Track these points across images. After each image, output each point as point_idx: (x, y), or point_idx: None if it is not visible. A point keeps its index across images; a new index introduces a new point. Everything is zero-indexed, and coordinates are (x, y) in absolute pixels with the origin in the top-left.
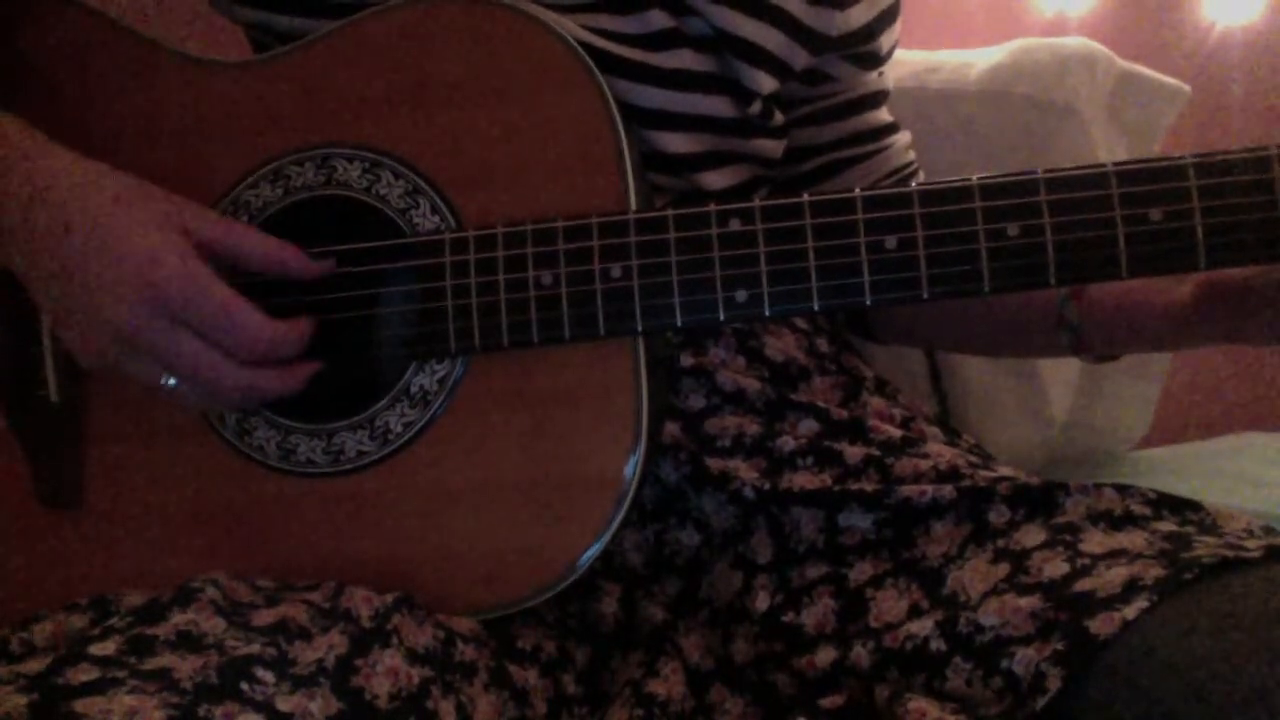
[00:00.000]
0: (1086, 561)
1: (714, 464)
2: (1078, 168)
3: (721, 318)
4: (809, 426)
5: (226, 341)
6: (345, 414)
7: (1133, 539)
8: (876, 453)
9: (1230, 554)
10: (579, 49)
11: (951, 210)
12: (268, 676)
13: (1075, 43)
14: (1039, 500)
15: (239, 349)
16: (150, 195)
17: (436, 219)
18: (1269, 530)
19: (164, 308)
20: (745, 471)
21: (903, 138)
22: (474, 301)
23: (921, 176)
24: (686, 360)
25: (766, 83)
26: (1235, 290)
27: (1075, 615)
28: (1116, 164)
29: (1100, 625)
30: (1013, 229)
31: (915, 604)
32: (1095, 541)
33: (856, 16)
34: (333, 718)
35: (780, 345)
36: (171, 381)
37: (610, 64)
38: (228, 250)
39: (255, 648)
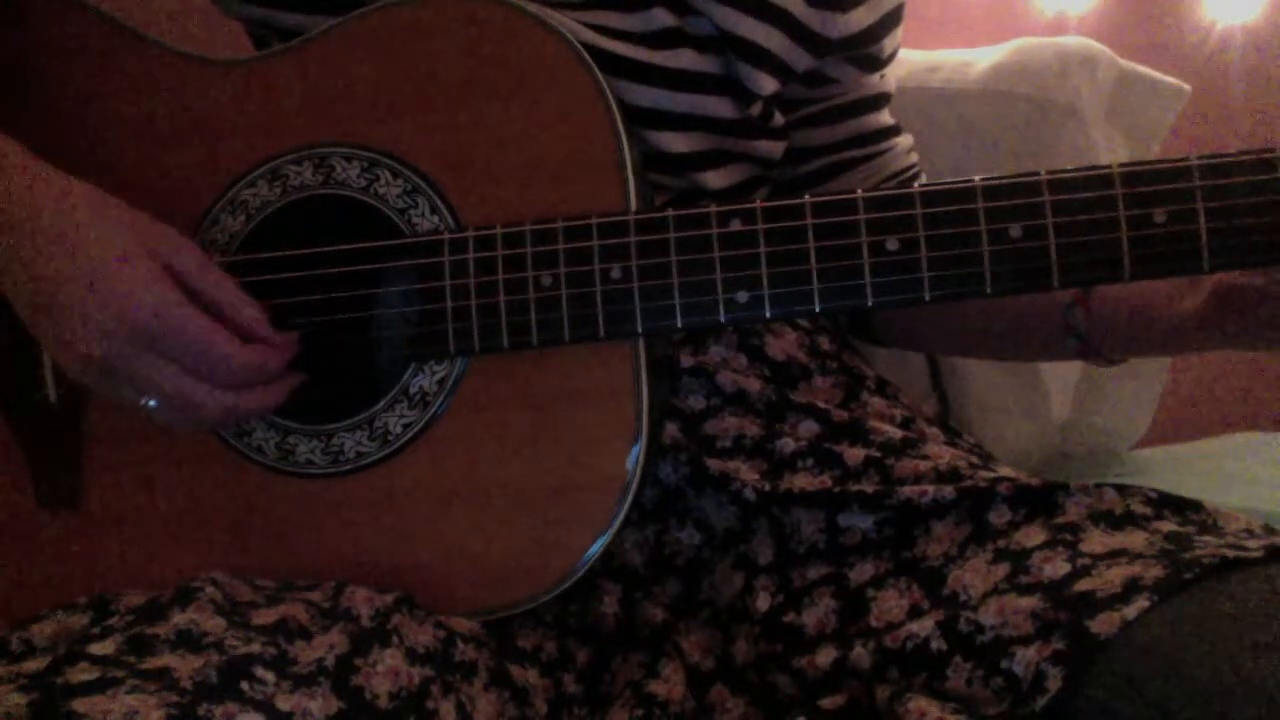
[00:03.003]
0: (1087, 561)
1: (714, 465)
2: (1081, 169)
3: (722, 319)
4: (809, 428)
5: (204, 369)
6: (344, 415)
7: (1133, 539)
8: (876, 454)
9: (1231, 554)
10: (579, 48)
11: (954, 211)
12: (268, 676)
13: (1075, 42)
14: (1039, 500)
15: (216, 375)
16: (124, 217)
17: (435, 219)
18: (1269, 530)
19: (139, 337)
20: (746, 473)
21: (904, 140)
22: (473, 302)
23: (923, 180)
24: (686, 359)
25: (768, 84)
26: (1246, 298)
27: (1075, 615)
28: (1120, 165)
29: (1101, 625)
30: (1015, 230)
31: (916, 604)
32: (1096, 541)
33: (859, 19)
34: (333, 717)
35: (781, 344)
36: (152, 404)
37: (611, 63)
38: (197, 287)
39: (255, 647)
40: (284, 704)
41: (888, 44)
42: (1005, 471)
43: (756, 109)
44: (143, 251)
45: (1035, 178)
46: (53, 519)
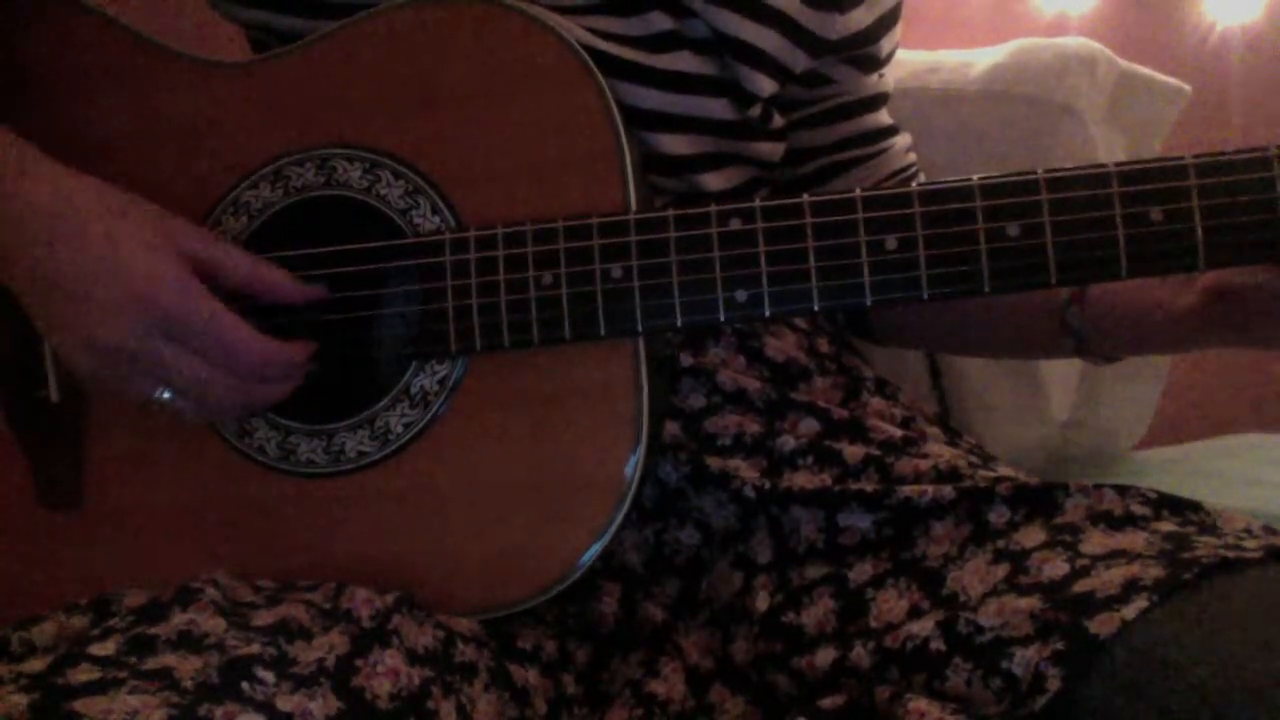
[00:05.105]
0: (1086, 562)
1: (714, 463)
2: (1078, 167)
3: (722, 318)
4: (809, 426)
5: (222, 358)
6: (346, 414)
7: (1133, 539)
8: (876, 453)
9: (1230, 554)
10: (579, 49)
11: (952, 210)
12: (268, 676)
13: (1075, 42)
14: (1039, 501)
15: (235, 365)
16: (140, 210)
17: (437, 219)
18: (1269, 530)
19: (159, 325)
20: (745, 471)
21: (902, 140)
22: (474, 302)
23: (922, 179)
24: (686, 360)
25: (766, 85)
26: (1243, 295)
27: (1075, 615)
28: (1117, 164)
29: (1100, 625)
30: (1013, 229)
31: (915, 604)
32: (1095, 542)
33: (856, 19)
34: (333, 718)
35: (780, 345)
36: (166, 395)
37: (610, 66)
38: (215, 269)
39: (255, 648)
40: (284, 704)
41: (885, 44)
42: (1005, 471)
43: (755, 110)
44: (163, 242)
45: (1033, 176)
46: (54, 519)
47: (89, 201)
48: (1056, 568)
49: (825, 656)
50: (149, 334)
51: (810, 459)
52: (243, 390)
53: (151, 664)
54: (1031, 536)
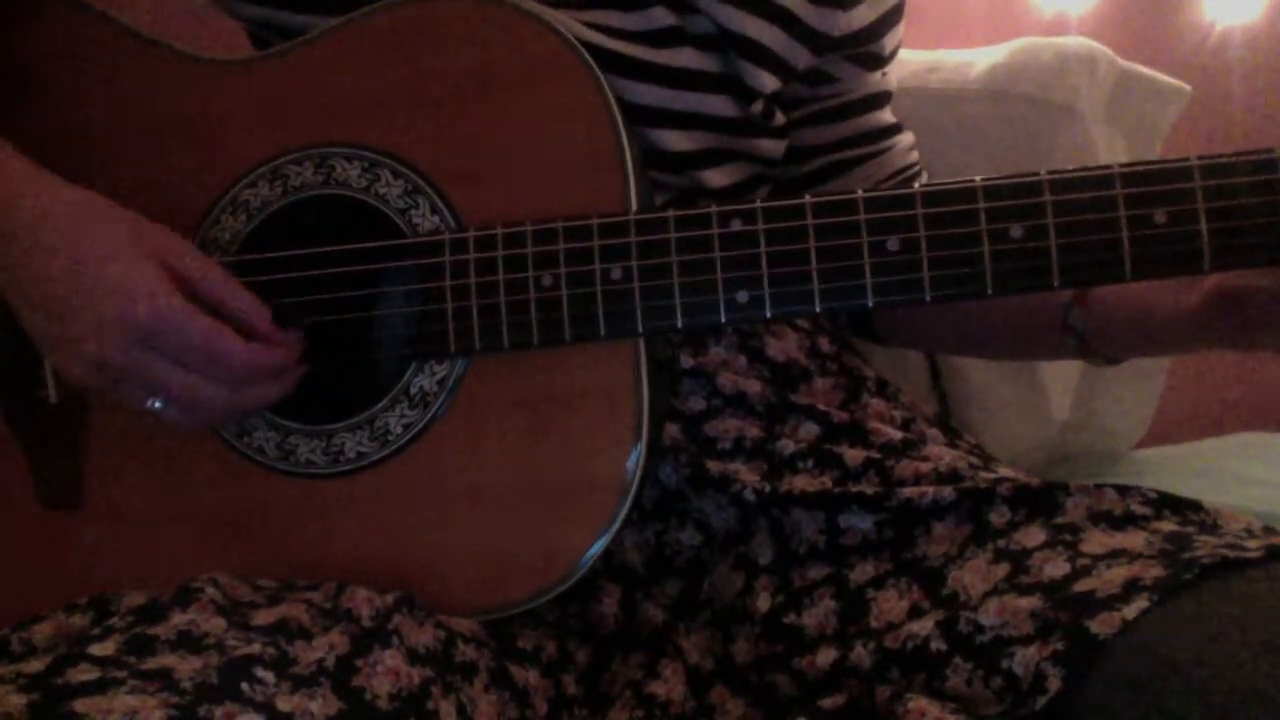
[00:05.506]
0: (1087, 562)
1: (714, 466)
2: (1082, 169)
3: (723, 319)
4: (809, 430)
5: (206, 366)
6: (345, 415)
7: (1133, 539)
8: (876, 455)
9: (1230, 554)
10: (579, 46)
11: (954, 211)
12: (268, 676)
13: (1075, 42)
14: (1039, 501)
15: (220, 372)
16: (124, 221)
17: (436, 219)
18: (1269, 530)
19: (142, 338)
20: (746, 474)
21: (905, 139)
22: (474, 302)
23: (925, 178)
24: (687, 361)
25: (769, 82)
26: (1245, 298)
27: (1075, 615)
28: (1121, 165)
29: (1100, 625)
30: (1016, 230)
31: (916, 604)
32: (1096, 542)
33: (860, 17)
34: (333, 718)
35: (781, 345)
36: (158, 404)
37: (611, 62)
38: (192, 283)
39: (255, 648)
40: (284, 705)
41: (888, 42)
42: (1005, 472)
43: (757, 107)
44: (142, 254)
45: (1036, 178)
46: (53, 519)
47: (70, 213)
48: (1057, 567)
49: (826, 657)
50: (132, 347)
51: (810, 462)
52: (232, 395)
53: (151, 664)
54: (1032, 536)
